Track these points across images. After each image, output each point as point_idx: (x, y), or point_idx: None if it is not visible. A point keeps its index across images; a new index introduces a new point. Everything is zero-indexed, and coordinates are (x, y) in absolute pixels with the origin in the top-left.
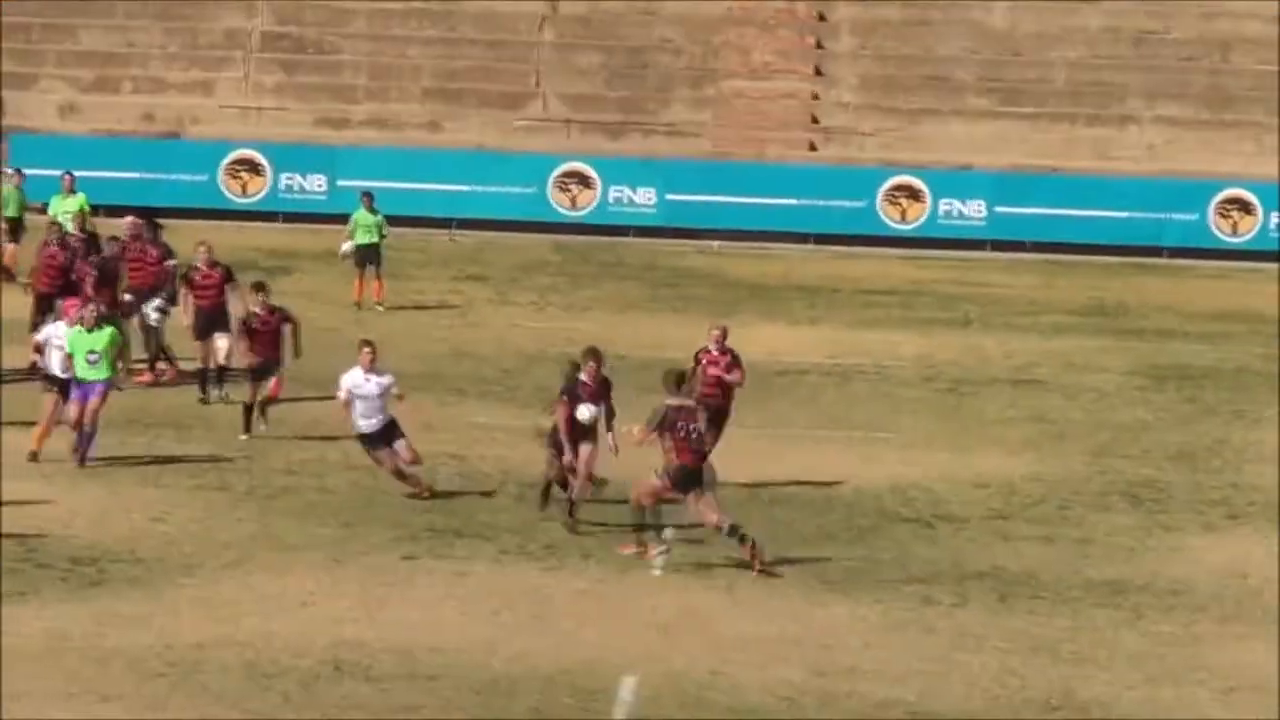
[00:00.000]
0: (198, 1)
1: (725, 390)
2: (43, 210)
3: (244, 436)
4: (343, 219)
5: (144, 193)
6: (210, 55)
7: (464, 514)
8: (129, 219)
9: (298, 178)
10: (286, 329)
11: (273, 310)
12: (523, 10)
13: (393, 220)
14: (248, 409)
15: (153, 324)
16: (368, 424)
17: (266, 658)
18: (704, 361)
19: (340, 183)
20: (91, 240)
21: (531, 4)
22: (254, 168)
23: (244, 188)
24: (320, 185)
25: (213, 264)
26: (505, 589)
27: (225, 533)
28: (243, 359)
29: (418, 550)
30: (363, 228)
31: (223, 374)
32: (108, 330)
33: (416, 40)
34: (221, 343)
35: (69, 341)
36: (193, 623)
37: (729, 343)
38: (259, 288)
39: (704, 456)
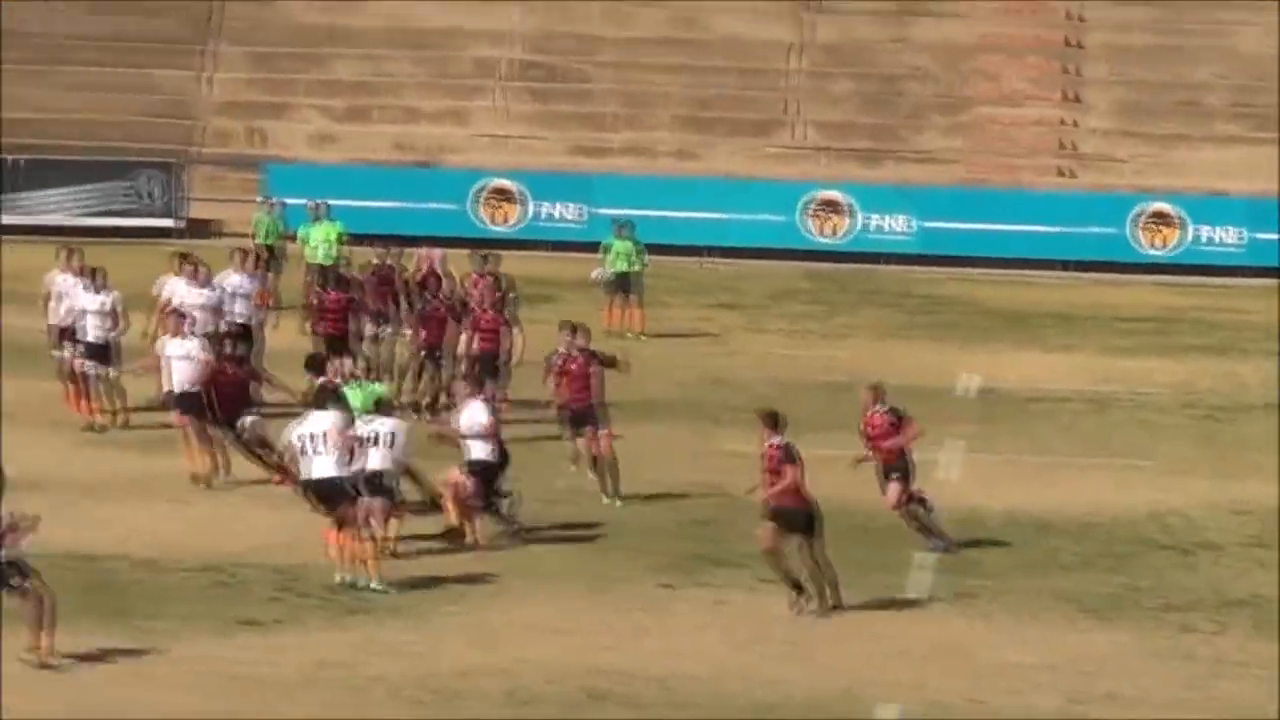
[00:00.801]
0: (450, 31)
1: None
2: (293, 238)
3: (573, 468)
4: (598, 247)
5: (396, 221)
6: (462, 84)
7: (721, 542)
8: (428, 250)
9: (554, 206)
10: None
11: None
12: (773, 38)
13: (647, 248)
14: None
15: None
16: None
17: (526, 685)
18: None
19: (596, 211)
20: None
21: (781, 32)
22: (508, 196)
23: (501, 216)
24: (576, 213)
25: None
26: (762, 617)
27: (485, 562)
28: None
29: (675, 579)
30: (618, 255)
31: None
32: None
33: (667, 68)
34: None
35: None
36: (455, 650)
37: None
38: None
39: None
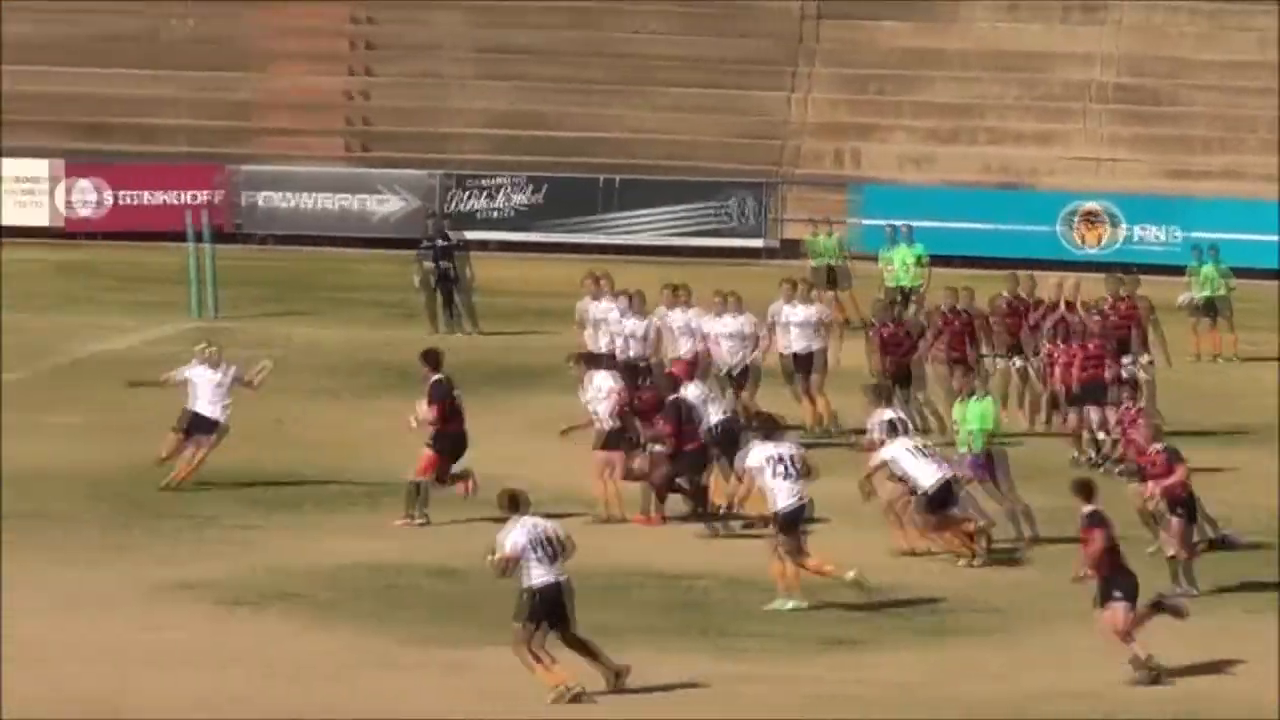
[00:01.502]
0: (1043, 54)
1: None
2: (874, 259)
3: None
4: (1185, 271)
5: (985, 243)
6: (1056, 107)
7: None
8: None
9: (1144, 229)
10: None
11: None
12: None
13: (1237, 273)
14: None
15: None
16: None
17: (1112, 710)
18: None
19: (1187, 234)
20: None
21: None
22: (1098, 219)
23: (1091, 239)
24: (1167, 237)
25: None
26: None
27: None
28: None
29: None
30: (1206, 280)
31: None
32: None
33: (1258, 91)
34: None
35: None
36: (1038, 673)
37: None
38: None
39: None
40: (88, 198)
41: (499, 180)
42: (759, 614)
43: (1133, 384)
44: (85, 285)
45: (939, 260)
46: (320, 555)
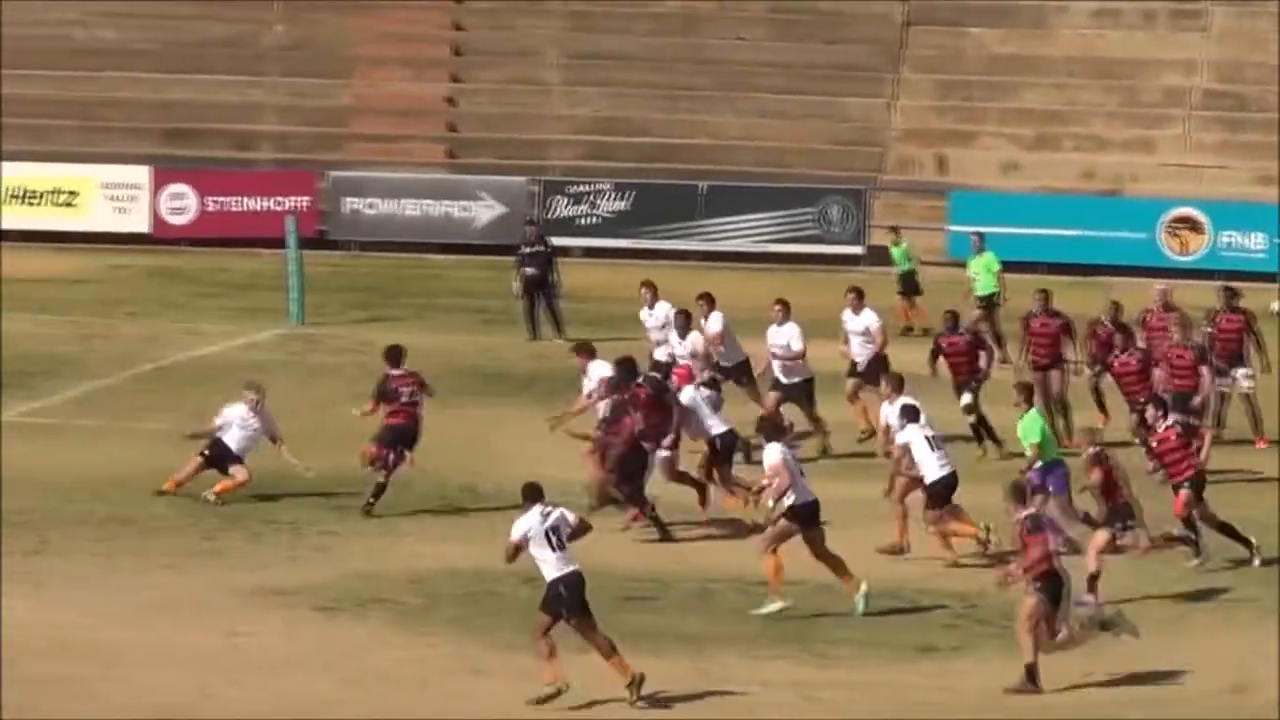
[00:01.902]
0: (1139, 60)
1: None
2: (965, 266)
3: None
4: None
5: (1081, 250)
6: (1150, 113)
7: None
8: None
9: (1236, 235)
10: None
11: None
12: None
13: None
14: None
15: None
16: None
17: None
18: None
19: (1275, 241)
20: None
21: None
22: (1192, 225)
23: (1184, 245)
24: (1259, 243)
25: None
26: None
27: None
28: None
29: None
30: None
31: None
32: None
33: None
34: None
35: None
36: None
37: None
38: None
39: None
40: (182, 204)
41: (594, 187)
42: (850, 620)
43: (1222, 397)
44: (177, 291)
45: (1029, 267)
46: (407, 561)
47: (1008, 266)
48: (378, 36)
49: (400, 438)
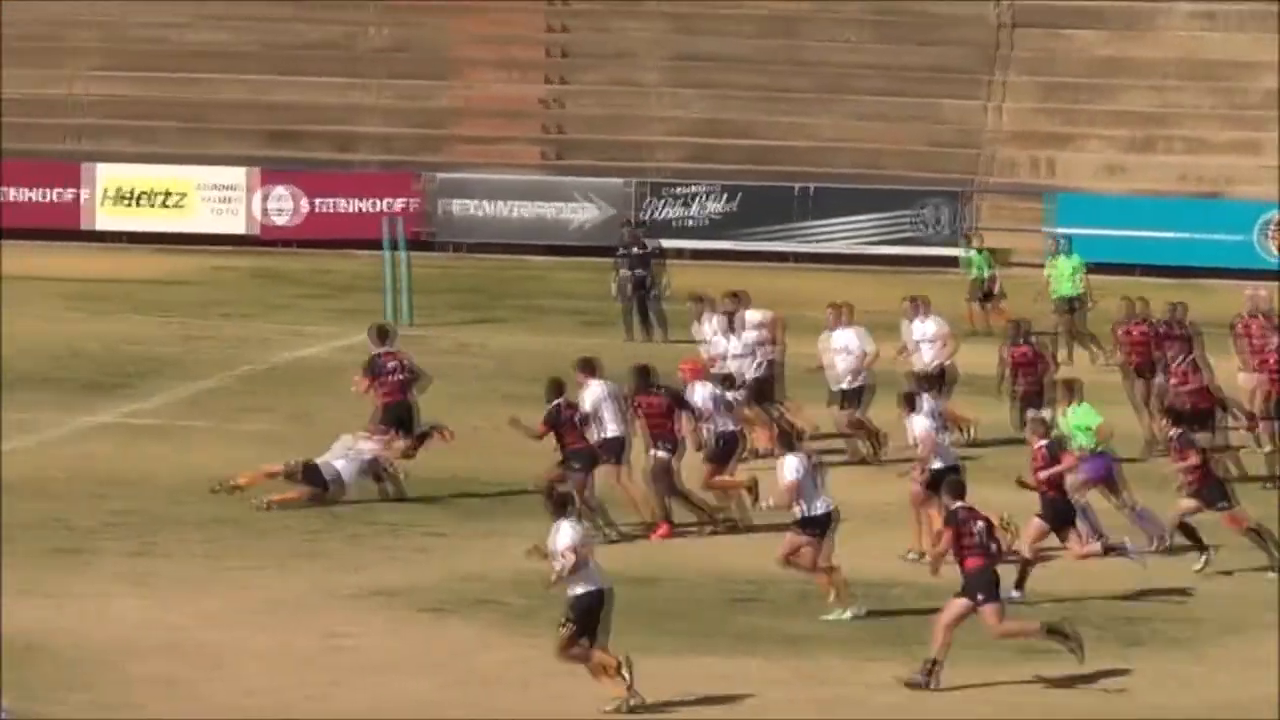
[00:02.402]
0: (1241, 62)
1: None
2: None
3: None
4: None
5: (1181, 253)
6: (1251, 115)
7: None
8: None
9: None
10: None
11: None
12: None
13: None
14: None
15: None
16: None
17: None
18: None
19: None
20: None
21: None
22: None
23: None
24: None
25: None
26: None
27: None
28: None
29: None
30: None
31: None
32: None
33: None
34: None
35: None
36: (1229, 683)
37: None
38: None
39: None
40: (283, 205)
41: (694, 188)
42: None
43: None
44: (279, 292)
45: (1128, 269)
46: (512, 562)
47: (1107, 269)
48: (478, 39)
49: (397, 419)
